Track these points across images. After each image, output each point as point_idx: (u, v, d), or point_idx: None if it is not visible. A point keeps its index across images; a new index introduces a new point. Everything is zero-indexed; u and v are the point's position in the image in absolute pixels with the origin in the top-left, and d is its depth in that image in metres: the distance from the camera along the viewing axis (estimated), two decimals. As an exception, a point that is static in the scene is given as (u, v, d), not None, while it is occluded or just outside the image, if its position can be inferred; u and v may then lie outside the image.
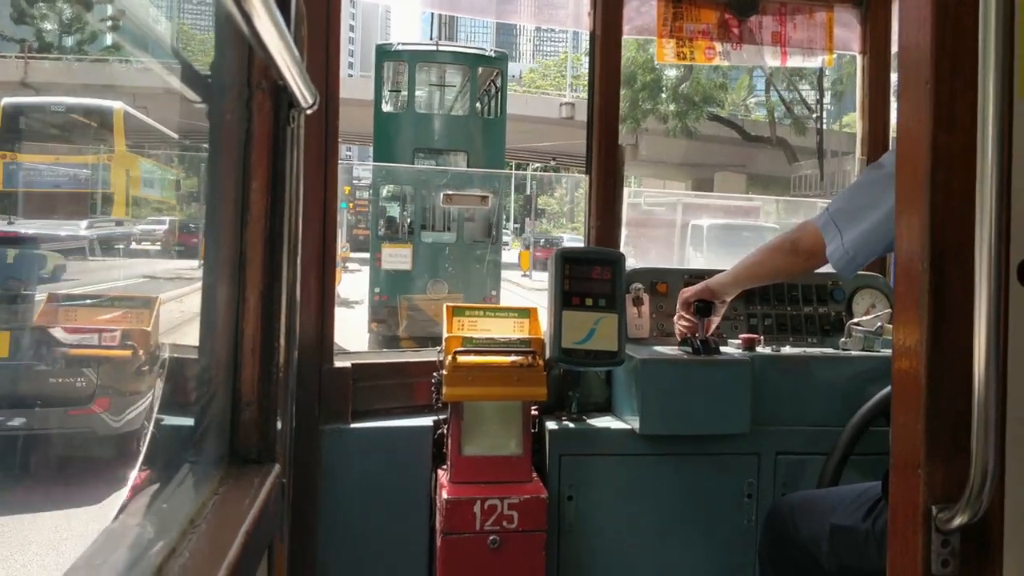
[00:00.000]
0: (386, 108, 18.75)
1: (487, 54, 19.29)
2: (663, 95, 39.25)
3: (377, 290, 16.60)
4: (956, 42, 1.50)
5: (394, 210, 18.30)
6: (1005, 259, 1.44)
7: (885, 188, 2.54)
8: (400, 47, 18.99)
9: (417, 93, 18.66)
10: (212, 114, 2.14)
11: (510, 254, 51.70)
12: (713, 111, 40.14)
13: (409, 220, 17.55)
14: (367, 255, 19.40)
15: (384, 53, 18.87)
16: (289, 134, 2.16)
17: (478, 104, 19.00)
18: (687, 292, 3.38)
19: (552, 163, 52.55)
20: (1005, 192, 1.42)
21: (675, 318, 3.46)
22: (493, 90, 18.82)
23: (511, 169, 62.93)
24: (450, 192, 16.57)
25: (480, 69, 18.64)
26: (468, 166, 17.49)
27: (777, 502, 3.05)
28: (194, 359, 2.13)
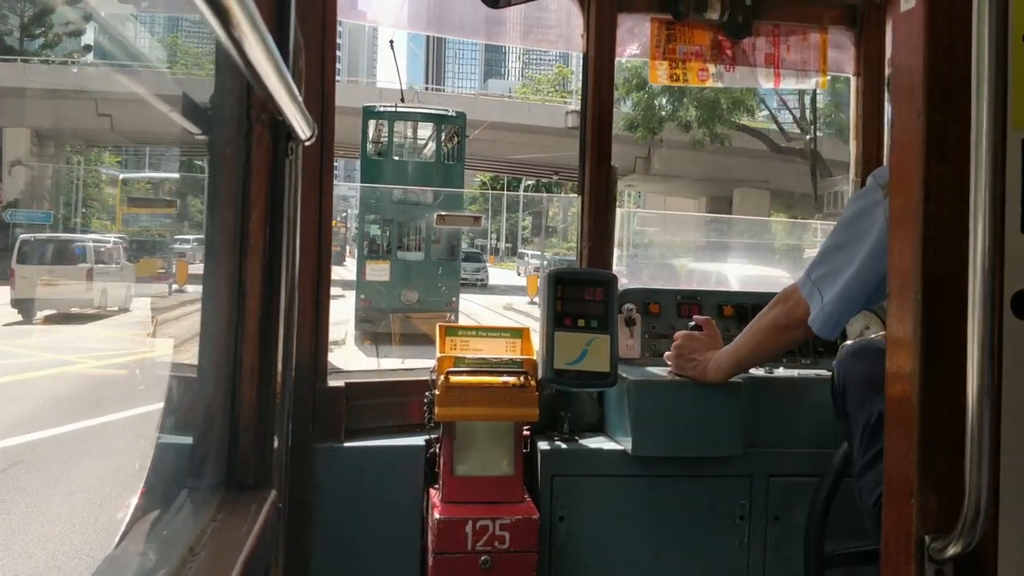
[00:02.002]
0: (371, 154, 24.18)
1: (449, 114, 24.96)
2: (685, 99, 34.02)
3: (363, 296, 21.91)
4: (949, 70, 1.50)
5: (376, 232, 23.21)
6: (999, 290, 1.44)
7: (856, 247, 2.58)
8: (381, 108, 24.39)
9: (395, 140, 24.75)
10: (212, 146, 2.15)
11: (506, 274, 49.54)
12: (741, 120, 35.43)
13: (387, 242, 22.71)
14: (341, 273, 26.13)
15: (369, 113, 24.02)
16: (287, 166, 2.17)
17: (445, 148, 24.50)
18: (680, 361, 3.25)
19: (555, 178, 50.02)
20: (998, 223, 1.43)
21: (670, 355, 3.34)
22: (456, 140, 24.46)
23: (504, 184, 62.20)
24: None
25: (443, 125, 24.37)
26: (432, 201, 22.56)
27: None
28: (194, 384, 2.14)
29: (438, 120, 24.62)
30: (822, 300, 2.66)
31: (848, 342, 3.40)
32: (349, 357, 18.61)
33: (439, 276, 22.48)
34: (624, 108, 34.17)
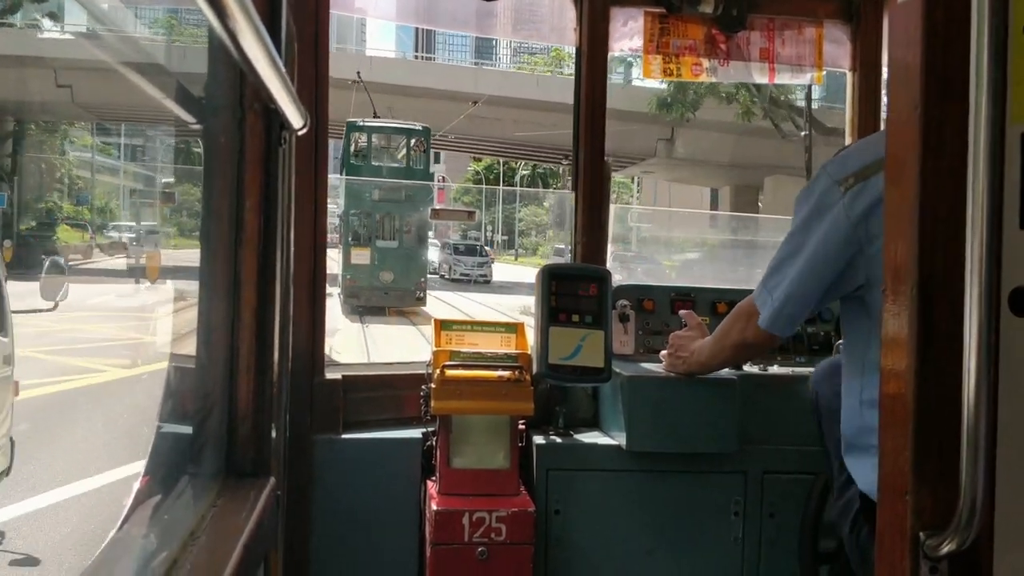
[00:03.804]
0: (353, 160, 29.77)
1: (417, 127, 30.28)
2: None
3: (348, 276, 27.06)
4: (947, 64, 1.48)
5: (359, 224, 27.94)
6: (996, 286, 1.43)
7: (802, 246, 2.51)
8: (361, 123, 29.87)
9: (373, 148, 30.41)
10: (206, 135, 2.15)
11: (503, 268, 48.34)
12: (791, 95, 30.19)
13: (367, 232, 27.78)
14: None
15: (352, 127, 29.61)
16: (281, 155, 2.17)
17: (413, 154, 30.00)
18: (670, 359, 3.23)
19: (564, 162, 46.78)
20: (996, 219, 1.41)
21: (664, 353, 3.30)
22: (422, 148, 30.11)
23: (500, 174, 61.48)
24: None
25: (412, 137, 29.88)
26: (403, 198, 28.00)
27: None
28: (192, 374, 2.15)
29: (408, 132, 30.15)
30: (771, 298, 2.61)
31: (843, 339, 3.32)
32: (336, 319, 21.95)
33: (410, 260, 27.68)
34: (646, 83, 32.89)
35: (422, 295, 27.82)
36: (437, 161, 69.60)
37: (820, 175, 2.53)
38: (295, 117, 2.12)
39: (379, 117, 30.95)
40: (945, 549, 1.45)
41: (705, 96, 30.68)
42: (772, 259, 2.67)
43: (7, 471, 6.52)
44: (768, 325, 2.62)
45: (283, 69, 1.76)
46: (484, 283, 39.40)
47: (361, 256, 27.16)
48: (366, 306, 26.44)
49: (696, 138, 35.58)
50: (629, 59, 28.76)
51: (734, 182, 40.94)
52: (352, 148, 30.07)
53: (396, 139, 30.84)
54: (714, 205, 47.70)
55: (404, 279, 27.30)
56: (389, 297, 27.16)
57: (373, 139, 30.38)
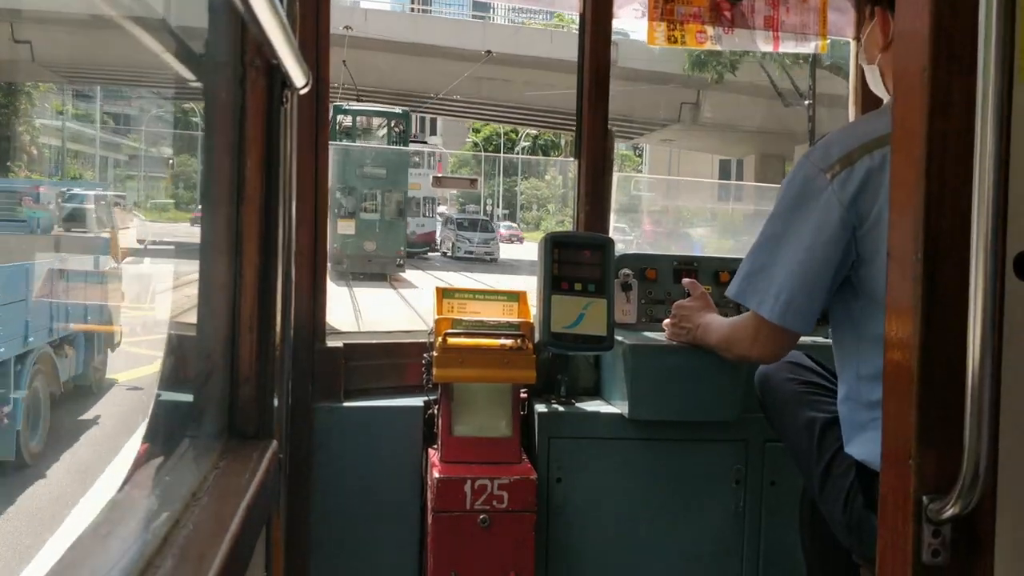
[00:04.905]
0: (339, 139, 32.09)
1: (396, 111, 34.57)
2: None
3: (335, 245, 27.96)
4: (954, 26, 1.47)
5: (343, 199, 29.99)
6: (1001, 250, 1.42)
7: (803, 233, 2.44)
8: (347, 107, 33.25)
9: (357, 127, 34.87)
10: (207, 92, 2.14)
11: (509, 245, 46.81)
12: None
13: (352, 205, 29.88)
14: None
15: (338, 110, 32.17)
16: (282, 114, 2.16)
17: (393, 133, 34.08)
18: (674, 329, 3.19)
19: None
20: (1002, 182, 1.41)
21: (667, 322, 3.26)
22: (400, 128, 34.20)
23: (501, 144, 60.70)
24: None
25: (392, 119, 34.07)
26: (386, 176, 30.00)
27: None
28: (193, 336, 2.14)
29: (388, 115, 34.35)
30: (771, 294, 2.51)
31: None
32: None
33: (391, 231, 29.97)
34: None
35: (402, 263, 30.46)
36: (433, 132, 68.91)
37: (803, 164, 2.49)
38: (297, 75, 2.11)
39: (362, 100, 34.58)
40: (948, 513, 1.45)
41: (744, 54, 27.62)
42: (753, 249, 2.59)
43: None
44: (779, 319, 2.51)
45: (286, 23, 1.74)
46: (491, 261, 38.49)
47: (346, 227, 29.41)
48: (351, 272, 28.72)
49: (725, 102, 33.11)
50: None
51: (760, 151, 38.64)
52: (338, 129, 33.05)
53: (377, 120, 35.28)
54: (724, 179, 45.96)
55: (385, 248, 29.72)
56: (372, 264, 29.60)
57: (358, 120, 34.75)
